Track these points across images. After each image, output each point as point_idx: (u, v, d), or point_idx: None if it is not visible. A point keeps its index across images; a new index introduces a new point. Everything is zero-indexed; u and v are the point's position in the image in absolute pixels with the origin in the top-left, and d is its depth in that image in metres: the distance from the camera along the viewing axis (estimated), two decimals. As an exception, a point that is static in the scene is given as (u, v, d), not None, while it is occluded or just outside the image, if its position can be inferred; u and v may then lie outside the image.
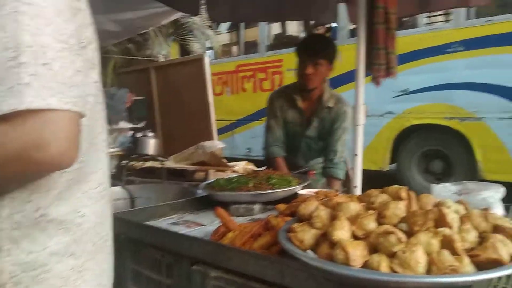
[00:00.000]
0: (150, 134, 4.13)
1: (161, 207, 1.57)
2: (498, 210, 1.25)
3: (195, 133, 4.15)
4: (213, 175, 2.29)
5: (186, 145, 2.88)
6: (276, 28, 6.93)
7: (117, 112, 4.40)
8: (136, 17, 3.18)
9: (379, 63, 1.86)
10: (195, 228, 1.37)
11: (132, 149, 4.03)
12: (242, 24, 7.36)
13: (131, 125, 4.65)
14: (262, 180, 1.63)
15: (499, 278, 0.94)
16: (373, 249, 0.81)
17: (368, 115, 1.93)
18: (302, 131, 2.36)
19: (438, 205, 0.98)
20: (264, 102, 2.53)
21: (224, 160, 2.55)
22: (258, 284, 0.96)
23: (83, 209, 0.73)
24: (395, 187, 1.01)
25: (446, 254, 0.76)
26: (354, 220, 0.87)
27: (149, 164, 2.60)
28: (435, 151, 5.39)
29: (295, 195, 1.58)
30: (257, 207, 1.55)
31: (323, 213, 0.93)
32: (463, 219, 0.90)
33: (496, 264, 0.77)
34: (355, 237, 0.85)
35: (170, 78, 4.73)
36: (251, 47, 7.31)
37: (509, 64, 4.52)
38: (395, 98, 5.31)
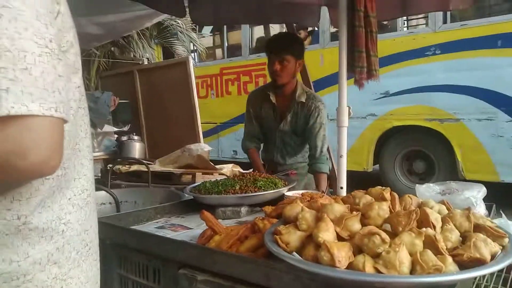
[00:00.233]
0: (136, 137, 4.09)
1: (147, 211, 1.56)
2: (480, 209, 1.28)
3: (181, 136, 4.13)
4: (200, 178, 2.29)
5: (172, 148, 2.87)
6: (259, 31, 6.93)
7: (101, 115, 4.34)
8: (118, 20, 3.14)
9: (361, 66, 1.89)
10: (181, 232, 1.36)
11: (117, 153, 3.98)
12: (225, 27, 7.36)
13: (115, 129, 4.59)
14: (249, 182, 1.63)
15: (483, 277, 0.96)
16: (358, 250, 0.82)
17: (351, 117, 1.96)
18: (276, 125, 2.44)
19: (421, 205, 1.00)
20: (249, 105, 2.57)
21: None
22: (245, 287, 0.96)
23: (67, 216, 0.72)
24: (378, 188, 1.02)
25: (429, 254, 0.77)
26: (338, 221, 0.88)
27: (135, 167, 2.57)
28: (417, 152, 5.48)
29: (281, 197, 1.59)
30: (243, 209, 1.56)
31: (308, 215, 0.94)
32: (445, 219, 0.92)
33: (479, 263, 0.79)
34: (340, 238, 0.86)
35: (155, 81, 4.69)
36: (235, 50, 7.31)
37: (485, 67, 4.63)
38: (377, 100, 5.38)
